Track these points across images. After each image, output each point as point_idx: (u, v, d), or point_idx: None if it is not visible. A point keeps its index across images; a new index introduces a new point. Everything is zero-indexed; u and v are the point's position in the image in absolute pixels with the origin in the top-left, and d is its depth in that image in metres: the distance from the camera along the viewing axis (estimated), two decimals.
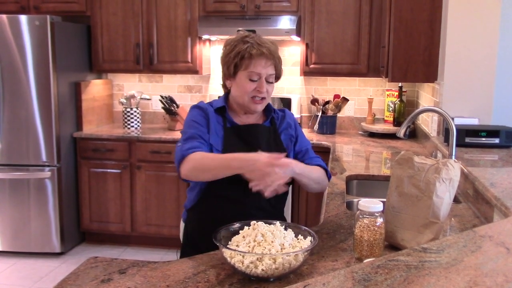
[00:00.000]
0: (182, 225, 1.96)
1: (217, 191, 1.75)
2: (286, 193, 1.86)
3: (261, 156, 1.52)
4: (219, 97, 1.95)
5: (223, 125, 1.79)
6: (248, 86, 1.74)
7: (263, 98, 1.76)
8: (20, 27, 3.79)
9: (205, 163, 1.63)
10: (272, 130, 1.83)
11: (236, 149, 1.72)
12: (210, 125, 1.77)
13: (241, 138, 1.77)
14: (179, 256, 1.91)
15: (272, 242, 1.34)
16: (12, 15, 3.84)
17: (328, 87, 4.38)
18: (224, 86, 1.86)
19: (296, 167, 1.63)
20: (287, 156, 1.77)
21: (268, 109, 1.87)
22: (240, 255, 1.30)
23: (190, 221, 1.88)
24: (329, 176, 1.89)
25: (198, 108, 1.82)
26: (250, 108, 1.78)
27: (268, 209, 1.80)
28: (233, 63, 1.75)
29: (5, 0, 4.27)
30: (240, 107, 1.82)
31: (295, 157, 1.86)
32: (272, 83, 1.78)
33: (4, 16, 3.81)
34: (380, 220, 1.43)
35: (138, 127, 4.38)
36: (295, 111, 4.30)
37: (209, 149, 1.74)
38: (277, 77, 1.82)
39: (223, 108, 1.82)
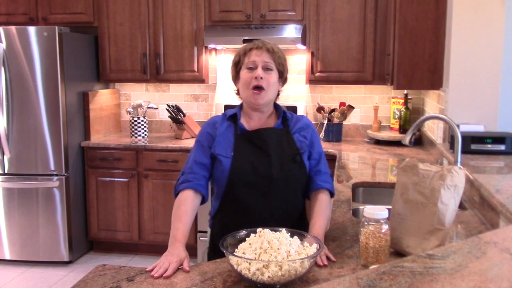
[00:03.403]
0: (209, 231, 2.01)
1: (235, 198, 1.80)
2: (301, 202, 1.87)
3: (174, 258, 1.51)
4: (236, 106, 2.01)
5: (234, 133, 1.84)
6: (247, 75, 1.80)
7: (261, 89, 1.79)
8: (29, 38, 3.84)
9: (172, 214, 1.76)
10: (284, 131, 1.86)
11: (246, 154, 1.78)
12: (217, 135, 1.84)
13: (252, 143, 1.81)
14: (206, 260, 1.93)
15: (278, 249, 1.35)
16: (21, 27, 3.90)
17: (334, 95, 4.39)
18: (237, 93, 1.92)
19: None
20: (301, 157, 1.81)
21: (279, 111, 1.91)
22: (247, 262, 1.31)
23: (214, 227, 1.93)
24: (333, 194, 1.89)
25: (206, 123, 1.92)
26: (252, 102, 1.82)
27: (285, 216, 1.80)
28: (234, 62, 1.88)
29: (14, 12, 4.34)
30: (249, 106, 1.86)
31: (309, 164, 1.86)
32: (270, 70, 1.80)
33: (13, 28, 3.87)
34: (385, 227, 1.43)
35: (145, 136, 4.41)
36: None
37: (208, 168, 1.83)
38: (281, 72, 1.85)
39: (235, 115, 1.88)
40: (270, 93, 1.82)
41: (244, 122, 1.88)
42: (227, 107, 4.41)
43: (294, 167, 1.80)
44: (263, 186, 1.77)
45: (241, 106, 1.92)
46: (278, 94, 1.91)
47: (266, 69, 1.80)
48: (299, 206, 1.88)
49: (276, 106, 1.93)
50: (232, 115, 1.88)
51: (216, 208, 1.89)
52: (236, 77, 1.89)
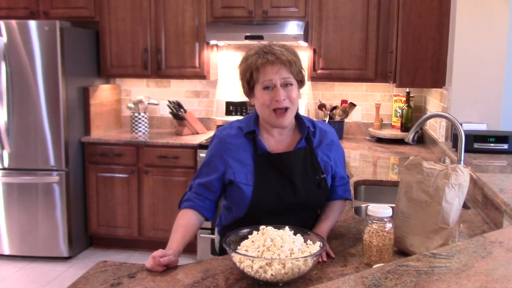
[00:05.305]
0: (217, 237, 1.95)
1: (254, 221, 1.67)
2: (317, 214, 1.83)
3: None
4: (252, 110, 1.82)
5: (253, 153, 1.69)
6: (265, 97, 1.63)
7: (286, 109, 1.64)
8: (30, 33, 3.82)
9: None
10: (308, 150, 1.72)
11: (269, 181, 1.66)
12: (233, 157, 1.69)
13: (274, 167, 1.67)
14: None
15: (281, 247, 1.34)
16: (22, 21, 3.87)
17: (336, 93, 4.38)
18: (250, 104, 1.77)
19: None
20: (326, 182, 1.72)
21: (302, 125, 1.75)
22: (249, 259, 1.30)
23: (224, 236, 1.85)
24: (349, 199, 1.87)
25: (218, 141, 1.74)
26: (275, 124, 1.67)
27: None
28: (246, 79, 1.69)
29: (14, 6, 4.31)
30: (268, 122, 1.70)
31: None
32: (291, 85, 1.64)
33: (13, 22, 3.85)
34: (389, 226, 1.42)
35: (146, 132, 4.40)
36: None
37: (214, 191, 1.72)
38: (300, 81, 1.69)
39: (253, 132, 1.71)
40: (294, 110, 1.68)
41: (263, 139, 1.72)
42: (228, 103, 4.40)
43: (319, 192, 1.72)
44: (286, 212, 1.69)
45: (256, 118, 1.74)
46: None
47: (286, 85, 1.64)
48: (314, 217, 1.82)
49: (298, 118, 1.77)
50: (249, 131, 1.71)
51: (229, 222, 1.79)
52: (249, 93, 1.71)
